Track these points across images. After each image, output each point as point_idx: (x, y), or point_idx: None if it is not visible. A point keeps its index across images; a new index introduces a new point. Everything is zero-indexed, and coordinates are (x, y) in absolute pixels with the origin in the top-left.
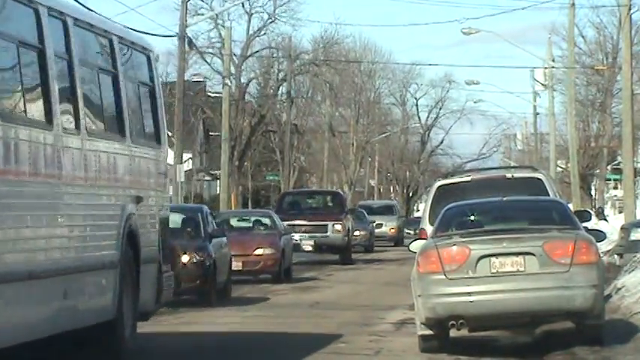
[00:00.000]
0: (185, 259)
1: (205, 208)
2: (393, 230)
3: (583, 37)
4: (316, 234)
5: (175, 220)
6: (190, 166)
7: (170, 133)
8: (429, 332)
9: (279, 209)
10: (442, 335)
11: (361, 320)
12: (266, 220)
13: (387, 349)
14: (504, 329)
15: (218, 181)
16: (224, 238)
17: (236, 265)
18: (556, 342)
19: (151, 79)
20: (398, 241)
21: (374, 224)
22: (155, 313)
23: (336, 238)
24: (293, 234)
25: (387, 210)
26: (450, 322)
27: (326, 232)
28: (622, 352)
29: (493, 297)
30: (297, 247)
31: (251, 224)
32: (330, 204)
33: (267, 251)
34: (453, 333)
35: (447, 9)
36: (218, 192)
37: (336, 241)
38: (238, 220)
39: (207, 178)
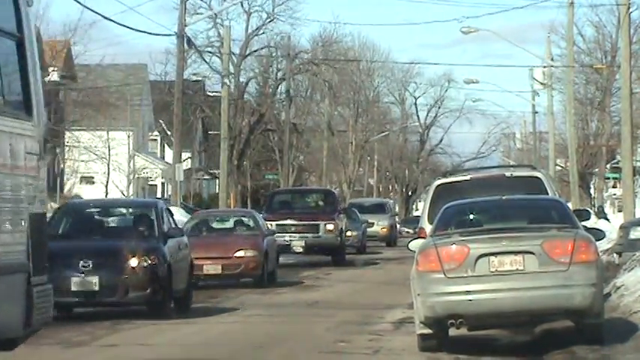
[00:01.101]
0: (133, 262)
1: (161, 203)
2: (384, 230)
3: (582, 35)
4: (307, 234)
5: (126, 217)
6: (189, 165)
7: (169, 132)
8: (428, 331)
9: (269, 208)
10: (441, 334)
11: (360, 319)
12: (248, 221)
13: (387, 348)
14: (503, 328)
15: (217, 180)
16: (183, 238)
17: (215, 268)
18: (555, 341)
19: (19, 28)
20: (390, 241)
21: (366, 223)
22: (24, 341)
23: (328, 239)
24: (284, 234)
25: (379, 208)
26: (449, 321)
27: (317, 232)
28: (621, 350)
29: (492, 296)
30: (287, 249)
31: (232, 225)
32: (322, 203)
33: (249, 253)
34: (452, 332)
35: (446, 8)
36: (217, 191)
37: (328, 242)
38: (218, 221)
39: (206, 177)
